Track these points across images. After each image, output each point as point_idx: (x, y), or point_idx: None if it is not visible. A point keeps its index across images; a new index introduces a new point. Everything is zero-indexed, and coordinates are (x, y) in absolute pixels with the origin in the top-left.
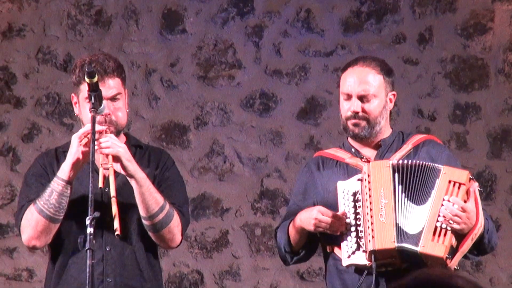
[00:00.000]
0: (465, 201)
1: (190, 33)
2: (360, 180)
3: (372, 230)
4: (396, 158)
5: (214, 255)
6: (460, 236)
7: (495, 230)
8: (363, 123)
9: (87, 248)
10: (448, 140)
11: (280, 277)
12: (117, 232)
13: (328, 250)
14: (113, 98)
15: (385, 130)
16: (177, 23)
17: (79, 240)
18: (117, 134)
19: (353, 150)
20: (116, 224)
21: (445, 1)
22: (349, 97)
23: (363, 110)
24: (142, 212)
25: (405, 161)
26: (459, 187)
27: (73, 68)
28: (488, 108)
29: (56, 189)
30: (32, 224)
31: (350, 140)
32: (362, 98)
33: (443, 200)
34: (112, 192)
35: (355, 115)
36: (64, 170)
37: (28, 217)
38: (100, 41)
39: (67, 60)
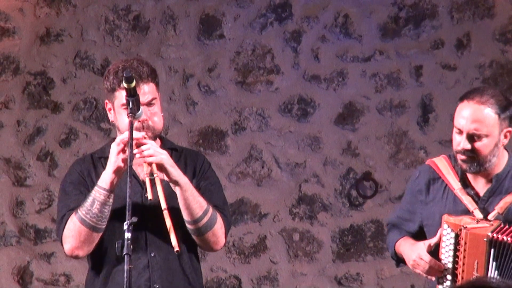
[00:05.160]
0: None
1: (228, 38)
2: (461, 230)
3: None
4: (501, 207)
5: (252, 260)
6: None
7: None
8: (471, 160)
9: (124, 253)
10: None
11: (318, 283)
12: (176, 249)
13: None
14: (149, 104)
15: (499, 163)
16: (215, 28)
17: (116, 246)
18: (153, 139)
19: (461, 183)
20: (174, 239)
21: (483, 6)
22: (460, 132)
23: (473, 148)
24: (186, 217)
25: (503, 237)
26: None
27: (107, 75)
28: None
29: (98, 199)
30: (75, 234)
31: None
32: (472, 137)
33: None
34: (163, 205)
35: (464, 151)
36: (105, 179)
37: (70, 227)
38: (137, 46)
39: (105, 65)
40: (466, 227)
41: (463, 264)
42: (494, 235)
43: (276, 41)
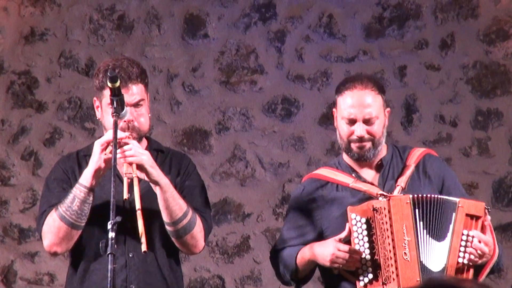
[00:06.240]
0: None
1: (212, 38)
2: (375, 210)
3: (396, 268)
4: (402, 182)
5: (235, 260)
6: (478, 266)
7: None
8: (368, 144)
9: (108, 252)
10: (469, 146)
11: None
12: (144, 249)
13: (335, 272)
14: (136, 104)
15: (383, 147)
16: (199, 28)
17: (100, 245)
18: (139, 140)
19: (353, 174)
20: (143, 240)
21: (467, 7)
22: (351, 121)
23: (368, 133)
24: (165, 218)
25: (424, 195)
26: (476, 220)
27: (96, 73)
28: (510, 114)
29: (78, 196)
30: (54, 231)
31: (345, 158)
32: (367, 122)
33: (463, 234)
34: (138, 205)
35: (362, 139)
36: (87, 177)
37: (49, 223)
38: (122, 46)
39: (89, 65)
40: (386, 195)
41: (391, 232)
42: (415, 195)
43: (260, 41)
